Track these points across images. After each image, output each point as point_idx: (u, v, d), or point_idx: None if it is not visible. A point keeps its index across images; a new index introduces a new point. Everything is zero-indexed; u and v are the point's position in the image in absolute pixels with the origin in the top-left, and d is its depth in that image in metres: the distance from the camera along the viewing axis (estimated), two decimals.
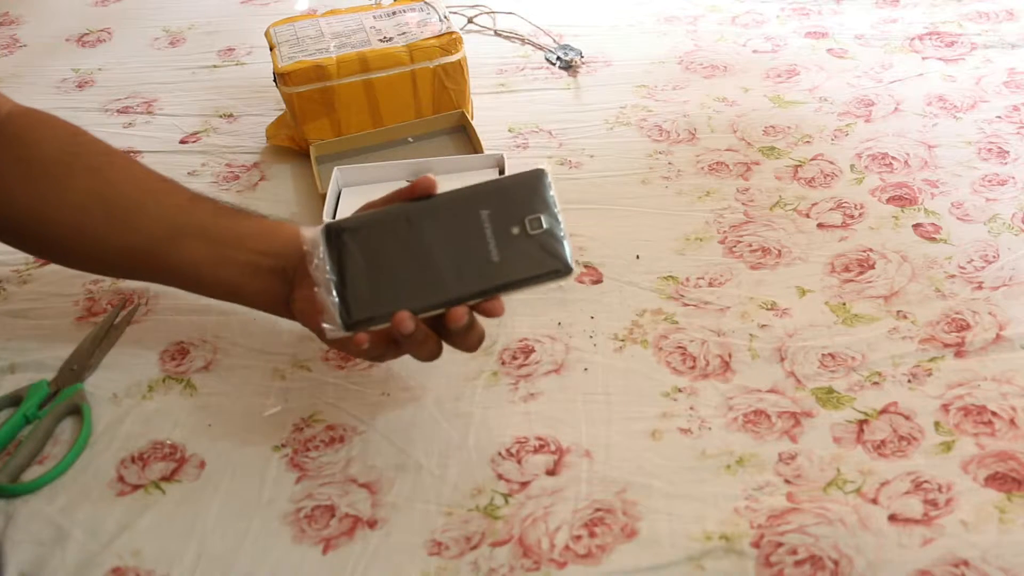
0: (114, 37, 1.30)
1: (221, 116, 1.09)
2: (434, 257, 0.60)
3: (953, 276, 0.77)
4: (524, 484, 0.63)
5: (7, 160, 0.72)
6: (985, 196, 0.85)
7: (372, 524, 0.61)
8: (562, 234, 0.60)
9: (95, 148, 0.74)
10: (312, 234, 0.60)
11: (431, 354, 0.63)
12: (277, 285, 0.68)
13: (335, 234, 0.60)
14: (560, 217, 0.60)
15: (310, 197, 0.93)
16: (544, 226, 0.59)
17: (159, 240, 0.70)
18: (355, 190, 0.89)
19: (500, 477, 0.63)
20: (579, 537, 0.59)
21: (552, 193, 0.60)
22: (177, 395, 0.72)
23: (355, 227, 0.61)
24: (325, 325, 0.59)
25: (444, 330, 0.62)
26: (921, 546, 0.57)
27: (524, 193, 0.60)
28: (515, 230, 0.59)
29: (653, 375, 0.70)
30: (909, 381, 0.68)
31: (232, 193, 0.95)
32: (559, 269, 0.59)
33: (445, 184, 0.84)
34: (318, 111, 0.95)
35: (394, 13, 1.02)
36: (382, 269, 0.60)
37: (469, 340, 0.63)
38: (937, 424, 0.64)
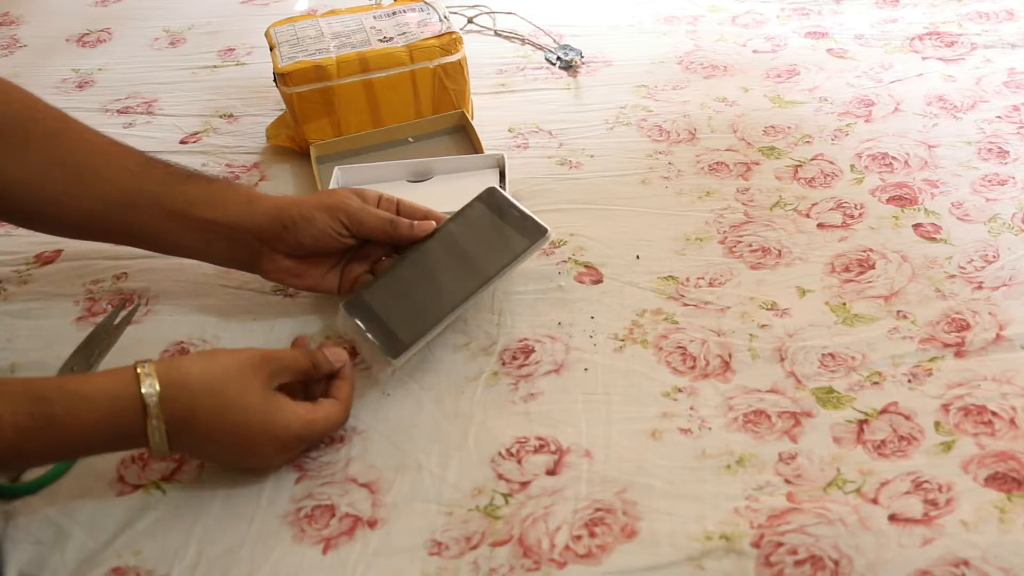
0: (114, 37, 1.30)
1: (221, 116, 1.09)
2: (443, 279, 0.72)
3: (953, 276, 0.76)
4: (524, 484, 0.63)
5: None
6: (985, 196, 0.85)
7: (372, 524, 0.61)
8: (528, 211, 0.74)
9: (50, 113, 0.75)
10: (340, 321, 0.72)
11: None
12: (235, 251, 0.73)
13: (354, 305, 0.72)
14: (522, 206, 0.74)
15: None
16: (516, 214, 0.74)
17: (115, 206, 0.73)
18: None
19: (500, 477, 0.63)
20: (579, 537, 0.59)
21: (508, 195, 0.75)
22: None
23: (370, 290, 0.72)
24: (380, 375, 0.71)
25: None
26: (921, 546, 0.57)
27: (492, 204, 0.75)
28: (493, 231, 0.74)
29: (653, 375, 0.70)
30: (909, 381, 0.68)
31: None
32: (542, 235, 0.73)
33: (446, 183, 0.85)
34: (318, 111, 0.95)
35: (394, 13, 1.02)
36: (404, 309, 0.71)
37: None
38: (937, 424, 0.64)
